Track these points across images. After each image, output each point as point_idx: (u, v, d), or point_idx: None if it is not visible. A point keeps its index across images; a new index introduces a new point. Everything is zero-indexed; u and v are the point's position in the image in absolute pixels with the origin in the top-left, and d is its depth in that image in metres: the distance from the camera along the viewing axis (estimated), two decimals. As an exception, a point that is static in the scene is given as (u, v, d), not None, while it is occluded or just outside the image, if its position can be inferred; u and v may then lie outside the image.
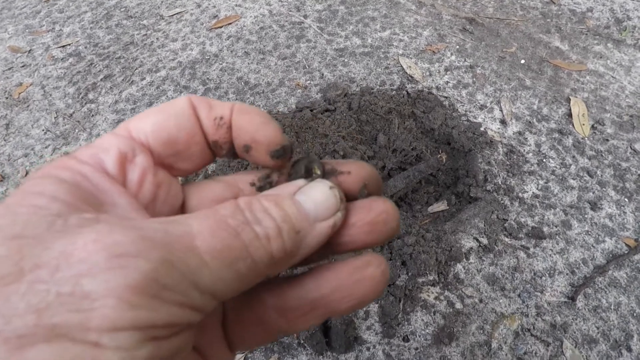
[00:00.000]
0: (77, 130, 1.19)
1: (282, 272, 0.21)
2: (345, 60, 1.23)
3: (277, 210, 0.18)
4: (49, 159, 1.13)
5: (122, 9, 1.53)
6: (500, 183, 0.96)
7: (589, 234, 0.89)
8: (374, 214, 0.21)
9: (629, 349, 0.75)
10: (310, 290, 0.20)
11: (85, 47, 1.40)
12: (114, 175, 0.19)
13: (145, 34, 1.41)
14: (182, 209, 0.22)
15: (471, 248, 0.87)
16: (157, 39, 1.39)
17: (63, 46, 1.42)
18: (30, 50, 1.43)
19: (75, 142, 1.16)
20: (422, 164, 0.95)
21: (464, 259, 0.86)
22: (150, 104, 1.20)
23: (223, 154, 0.22)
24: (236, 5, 1.46)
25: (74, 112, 1.23)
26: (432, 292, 0.81)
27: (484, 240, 0.87)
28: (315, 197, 0.20)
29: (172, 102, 0.21)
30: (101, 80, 1.30)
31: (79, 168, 0.19)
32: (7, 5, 1.63)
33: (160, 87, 1.24)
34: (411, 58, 1.22)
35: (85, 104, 1.25)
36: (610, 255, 0.86)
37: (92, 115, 1.21)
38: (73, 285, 0.14)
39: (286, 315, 0.21)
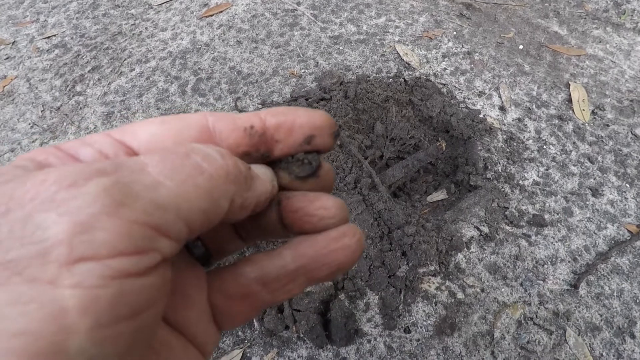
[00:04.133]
0: (65, 124, 1.15)
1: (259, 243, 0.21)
2: (340, 47, 1.20)
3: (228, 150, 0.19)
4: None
5: (109, -2, 1.48)
6: (500, 171, 0.94)
7: (591, 221, 0.88)
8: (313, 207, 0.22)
9: (633, 336, 0.75)
10: (289, 261, 0.21)
11: (72, 38, 1.36)
12: None
13: (134, 24, 1.37)
14: None
15: (472, 237, 0.85)
16: (146, 28, 1.35)
17: (48, 37, 1.37)
18: (14, 41, 1.38)
19: (64, 135, 1.12)
20: (421, 152, 0.93)
21: (465, 248, 0.84)
22: (140, 95, 1.16)
23: (250, 162, 0.22)
24: (227, -7, 1.41)
25: (61, 105, 1.19)
26: (433, 283, 0.80)
27: (485, 229, 0.86)
28: (256, 167, 0.21)
29: (185, 115, 0.21)
30: (89, 71, 1.26)
31: (54, 152, 0.18)
32: (-11, -5, 1.57)
33: (150, 78, 1.20)
34: (408, 45, 1.19)
35: (73, 96, 1.21)
36: (613, 242, 0.85)
37: (81, 108, 1.18)
38: (25, 221, 0.13)
39: (268, 286, 0.21)
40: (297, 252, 0.21)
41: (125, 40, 1.32)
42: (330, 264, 0.21)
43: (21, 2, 1.52)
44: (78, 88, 1.22)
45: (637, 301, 0.78)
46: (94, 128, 1.12)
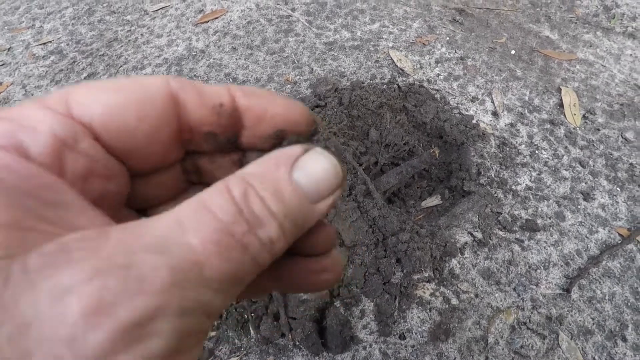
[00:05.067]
0: (60, 132, 1.16)
1: None
2: (335, 54, 1.21)
3: (277, 204, 0.16)
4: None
5: (105, 4, 1.49)
6: (493, 176, 0.95)
7: (583, 225, 0.89)
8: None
9: (624, 339, 0.76)
10: (264, 280, 0.20)
11: (67, 45, 1.36)
12: (45, 165, 0.15)
13: (129, 30, 1.37)
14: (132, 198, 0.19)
15: (466, 243, 0.86)
16: (142, 35, 1.35)
17: (44, 43, 1.37)
18: (9, 48, 1.38)
19: (59, 143, 1.13)
20: (415, 159, 0.94)
21: (459, 254, 0.85)
22: (136, 102, 1.17)
23: (213, 146, 0.19)
24: (222, -1, 1.42)
25: (56, 113, 1.20)
26: (428, 289, 0.81)
27: (479, 235, 0.87)
28: (316, 174, 0.17)
29: (142, 80, 0.17)
30: (85, 79, 1.26)
31: None
32: (-17, 2, 1.57)
33: (146, 85, 1.21)
34: (401, 51, 1.20)
35: (69, 104, 1.21)
36: (604, 246, 0.86)
37: (76, 116, 1.18)
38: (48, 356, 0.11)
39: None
40: (274, 275, 0.20)
41: (121, 46, 1.33)
42: (303, 289, 0.21)
43: (17, 8, 1.52)
44: (73, 95, 1.23)
45: (629, 304, 0.79)
46: (90, 136, 1.13)
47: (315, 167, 0.17)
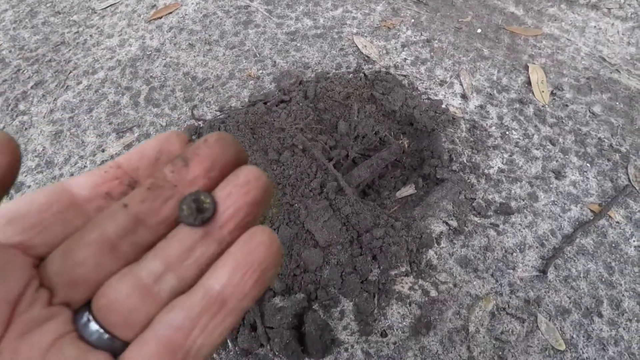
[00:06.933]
0: (10, 148, 1.07)
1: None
2: (298, 44, 1.16)
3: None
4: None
5: (48, 4, 1.38)
6: (465, 161, 0.94)
7: (555, 204, 0.89)
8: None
9: (600, 315, 0.77)
10: (212, 284, 0.19)
11: (10, 52, 1.26)
12: None
13: (77, 32, 1.28)
14: None
15: (441, 232, 0.85)
16: (91, 36, 1.26)
17: (-17, 53, 1.27)
18: (-55, 60, 1.27)
19: (10, 160, 1.05)
20: (384, 151, 0.91)
21: (435, 244, 0.84)
22: (90, 110, 1.10)
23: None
24: (175, -8, 1.34)
25: (4, 127, 1.11)
26: (406, 283, 0.80)
27: (454, 223, 0.86)
28: None
29: (43, 191, 0.20)
30: (32, 87, 1.17)
31: None
32: None
33: (100, 91, 1.13)
34: (366, 37, 1.16)
35: (17, 116, 1.13)
36: (577, 223, 0.87)
37: (26, 129, 1.10)
38: None
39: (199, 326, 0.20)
40: (216, 270, 0.20)
41: (69, 50, 1.24)
42: (251, 268, 0.19)
43: (-51, 15, 1.39)
44: (21, 107, 1.14)
45: (603, 280, 0.80)
46: (43, 150, 1.05)
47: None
